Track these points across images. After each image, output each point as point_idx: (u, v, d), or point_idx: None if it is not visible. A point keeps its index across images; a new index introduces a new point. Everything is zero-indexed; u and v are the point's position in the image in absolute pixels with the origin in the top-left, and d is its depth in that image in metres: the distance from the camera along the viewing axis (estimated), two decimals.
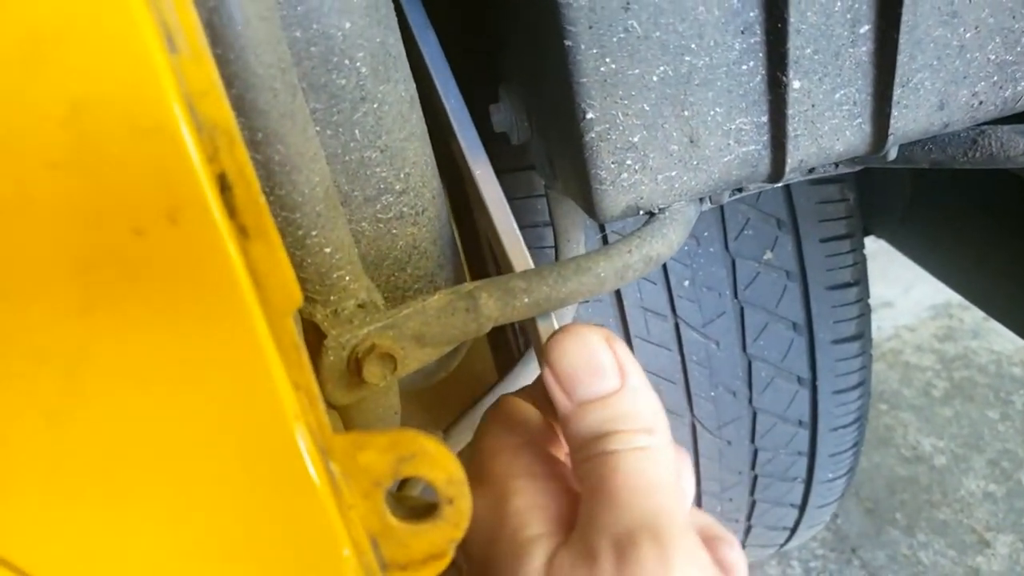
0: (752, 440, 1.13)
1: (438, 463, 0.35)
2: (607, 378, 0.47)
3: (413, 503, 0.39)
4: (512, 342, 1.17)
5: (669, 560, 0.40)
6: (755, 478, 1.18)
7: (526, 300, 0.54)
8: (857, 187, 1.07)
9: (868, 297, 1.09)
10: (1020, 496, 1.95)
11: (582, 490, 0.46)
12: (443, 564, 0.38)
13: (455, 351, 0.71)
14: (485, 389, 0.97)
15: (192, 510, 0.34)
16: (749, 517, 1.25)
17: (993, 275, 1.31)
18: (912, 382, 2.33)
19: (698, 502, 1.20)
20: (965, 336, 2.46)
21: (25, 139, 0.31)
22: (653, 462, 0.45)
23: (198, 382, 0.33)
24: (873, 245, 1.46)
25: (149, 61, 0.32)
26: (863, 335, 1.09)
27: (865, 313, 1.09)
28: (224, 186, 0.33)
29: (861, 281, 1.06)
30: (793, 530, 1.33)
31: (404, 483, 0.71)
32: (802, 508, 1.27)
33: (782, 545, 1.39)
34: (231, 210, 0.33)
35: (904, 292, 2.66)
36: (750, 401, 1.09)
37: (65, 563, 0.34)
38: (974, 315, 2.51)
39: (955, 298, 2.53)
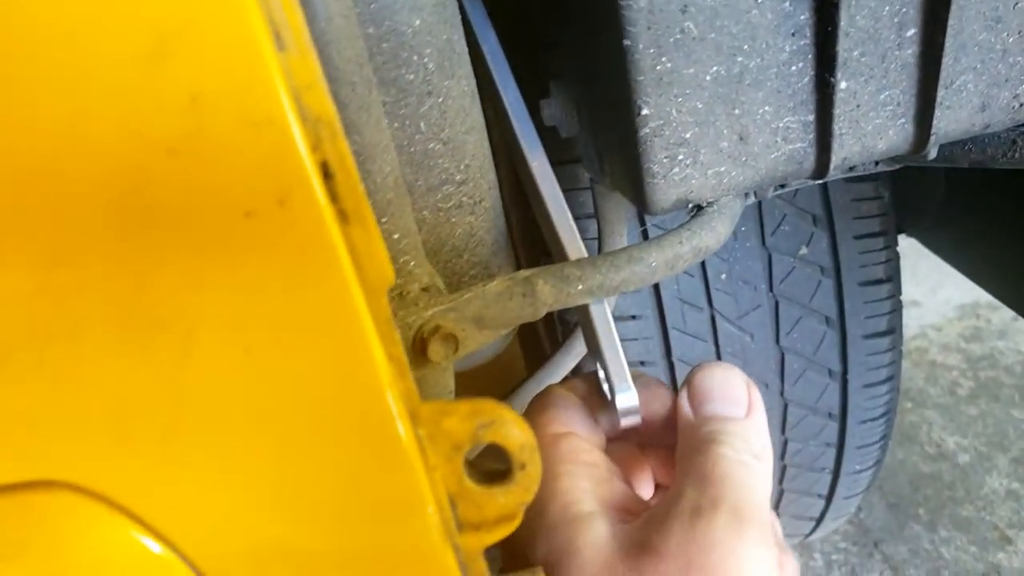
0: (783, 431, 1.15)
1: (513, 430, 0.38)
2: (736, 406, 0.52)
3: (485, 469, 0.42)
4: (542, 334, 1.20)
5: (743, 533, 0.43)
6: (784, 468, 1.20)
7: (580, 287, 0.57)
8: (892, 185, 1.09)
9: (900, 294, 1.11)
10: None
11: (676, 476, 0.49)
12: (513, 525, 0.41)
13: (505, 335, 0.74)
14: (519, 380, 1.00)
15: (295, 468, 0.37)
16: (776, 506, 1.28)
17: (1022, 271, 1.32)
18: (938, 381, 2.34)
19: None
20: (992, 336, 2.46)
21: (148, 127, 0.34)
22: (753, 475, 0.48)
23: (303, 352, 0.36)
24: (902, 244, 1.48)
25: (260, 58, 0.35)
26: (894, 331, 1.11)
27: (897, 309, 1.11)
28: (327, 174, 0.36)
29: (894, 278, 1.08)
30: (819, 520, 1.36)
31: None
32: (829, 499, 1.29)
33: (807, 535, 1.42)
34: (333, 196, 0.36)
35: (931, 292, 2.67)
36: (782, 393, 1.11)
37: (179, 513, 0.38)
38: (1002, 316, 2.51)
39: (983, 299, 2.53)
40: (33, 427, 0.37)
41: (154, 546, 0.38)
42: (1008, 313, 1.34)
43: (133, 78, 0.34)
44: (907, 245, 1.51)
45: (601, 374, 0.59)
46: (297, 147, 0.35)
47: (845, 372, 1.11)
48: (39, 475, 0.37)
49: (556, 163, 0.96)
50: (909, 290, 2.65)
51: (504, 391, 0.97)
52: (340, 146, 0.37)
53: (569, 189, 0.98)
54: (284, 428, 0.37)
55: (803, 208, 1.01)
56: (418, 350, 0.55)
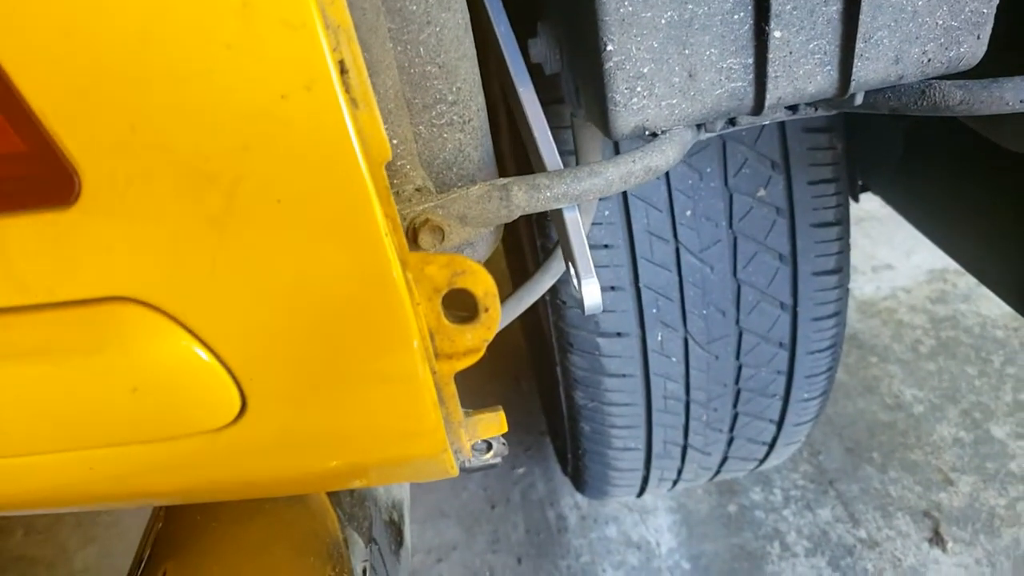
0: (737, 357, 1.27)
1: (480, 279, 0.50)
2: None
3: (456, 313, 0.54)
4: (528, 256, 1.31)
5: None
6: (738, 392, 1.33)
7: (548, 194, 0.68)
8: (851, 141, 1.20)
9: (848, 236, 1.22)
10: (987, 443, 2.11)
11: None
12: (477, 356, 0.53)
13: (494, 236, 0.85)
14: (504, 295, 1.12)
15: (311, 296, 0.49)
16: (731, 429, 1.41)
17: (981, 239, 1.42)
18: (902, 338, 2.48)
19: (686, 411, 1.35)
20: (956, 300, 2.59)
21: (210, 26, 0.45)
22: None
23: (320, 205, 0.47)
24: (882, 211, 1.59)
25: None
26: (841, 269, 1.23)
27: (844, 251, 1.22)
28: (343, 69, 0.47)
29: (843, 221, 1.19)
30: (771, 446, 1.48)
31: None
32: (779, 424, 1.42)
33: (761, 461, 1.55)
34: (347, 86, 0.47)
35: (905, 256, 2.79)
36: (737, 321, 1.23)
37: (220, 325, 0.49)
38: (967, 281, 2.64)
39: (951, 265, 2.64)
40: (111, 253, 0.48)
41: (198, 349, 0.50)
42: (973, 279, 1.44)
43: None
44: (887, 214, 1.61)
45: (571, 269, 0.71)
46: (322, 46, 0.46)
47: (795, 305, 1.23)
48: (115, 292, 0.49)
49: (541, 103, 1.07)
50: (884, 254, 2.78)
51: None
52: (354, 49, 0.48)
53: (552, 128, 1.09)
54: (304, 264, 0.48)
55: (763, 153, 1.12)
56: (411, 239, 0.66)
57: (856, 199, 1.64)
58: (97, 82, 0.45)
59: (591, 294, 0.68)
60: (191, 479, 0.58)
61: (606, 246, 1.16)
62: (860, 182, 1.64)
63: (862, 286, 2.71)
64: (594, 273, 0.68)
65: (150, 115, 0.46)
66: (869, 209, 2.83)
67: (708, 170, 1.13)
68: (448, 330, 0.51)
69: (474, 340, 0.51)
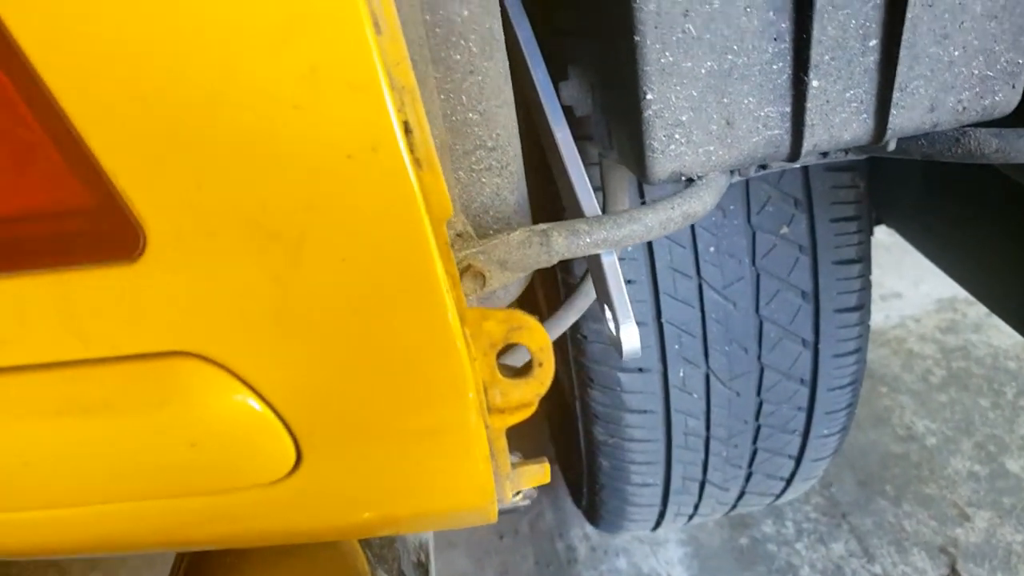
0: (758, 393, 1.28)
1: (536, 334, 0.50)
2: None
3: (510, 368, 0.54)
4: (540, 297, 1.32)
5: None
6: (758, 428, 1.33)
7: (588, 240, 0.69)
8: (870, 177, 1.21)
9: (870, 274, 1.23)
10: (1002, 477, 2.10)
11: None
12: (530, 411, 0.53)
13: (520, 284, 0.86)
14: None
15: (373, 352, 0.49)
16: (751, 464, 1.41)
17: (995, 270, 1.43)
18: (913, 368, 2.48)
19: (706, 447, 1.35)
20: (966, 329, 2.59)
21: (278, 88, 0.46)
22: None
23: (385, 264, 0.48)
24: (889, 239, 1.60)
25: (363, 39, 0.46)
26: (863, 307, 1.23)
27: (866, 288, 1.23)
28: (408, 130, 0.48)
29: (864, 259, 1.20)
30: (789, 481, 1.48)
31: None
32: (798, 460, 1.42)
33: (778, 496, 1.54)
34: (411, 146, 0.48)
35: (914, 285, 2.79)
36: (759, 358, 1.24)
37: (278, 379, 0.50)
38: (977, 310, 2.65)
39: (961, 294, 2.65)
40: (174, 308, 0.48)
41: (255, 403, 0.50)
42: (983, 308, 1.45)
43: (270, 52, 0.45)
44: (894, 242, 1.62)
45: (608, 313, 0.71)
46: (387, 108, 0.47)
47: (817, 342, 1.23)
48: (177, 346, 0.49)
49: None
50: (893, 283, 2.79)
51: None
52: (418, 110, 0.49)
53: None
54: (365, 320, 0.49)
55: (786, 192, 1.13)
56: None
57: (871, 232, 1.65)
58: (166, 141, 0.45)
59: (630, 339, 0.68)
60: (240, 529, 0.58)
61: (629, 281, 1.16)
62: (874, 214, 1.65)
63: (871, 315, 2.71)
64: (632, 317, 0.68)
65: (217, 173, 0.46)
66: (876, 237, 2.83)
67: (731, 207, 1.14)
68: (502, 384, 0.51)
69: (527, 395, 0.52)
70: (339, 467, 0.52)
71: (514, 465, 0.59)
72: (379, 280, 0.48)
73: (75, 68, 0.43)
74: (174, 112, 0.45)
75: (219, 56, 0.45)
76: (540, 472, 0.60)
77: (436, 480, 0.54)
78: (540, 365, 0.51)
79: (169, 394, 0.49)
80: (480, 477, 0.54)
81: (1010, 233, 1.33)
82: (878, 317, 2.70)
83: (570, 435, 1.73)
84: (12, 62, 0.43)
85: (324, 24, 0.46)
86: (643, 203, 1.11)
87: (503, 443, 0.54)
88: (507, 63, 0.74)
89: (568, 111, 0.88)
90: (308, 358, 0.49)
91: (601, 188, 0.97)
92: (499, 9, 0.72)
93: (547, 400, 2.22)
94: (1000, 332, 2.54)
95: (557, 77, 0.87)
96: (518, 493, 0.71)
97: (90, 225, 0.47)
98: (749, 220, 1.14)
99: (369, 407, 0.51)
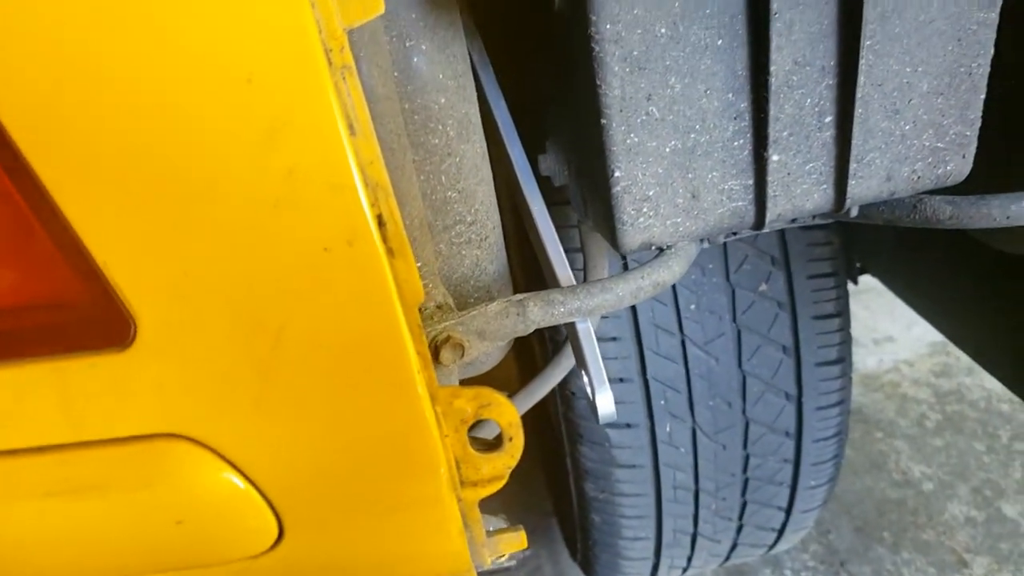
0: (744, 446, 1.30)
1: (505, 410, 0.53)
2: None
3: (481, 441, 0.57)
4: (537, 352, 1.35)
5: None
6: (746, 481, 1.35)
7: (562, 309, 0.72)
8: (852, 227, 1.24)
9: (849, 327, 1.26)
10: (999, 522, 2.11)
11: None
12: (501, 483, 0.56)
13: (504, 348, 0.89)
14: (512, 391, 1.15)
15: (347, 431, 0.52)
16: (741, 516, 1.42)
17: (974, 320, 1.46)
18: (907, 413, 2.49)
19: (695, 500, 1.36)
20: (960, 373, 2.61)
21: (259, 187, 0.50)
22: None
23: (359, 348, 0.51)
24: (880, 285, 1.63)
25: (339, 141, 0.50)
26: (844, 359, 1.26)
27: (846, 340, 1.26)
28: (381, 223, 0.51)
29: (843, 312, 1.23)
30: (780, 532, 1.49)
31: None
32: (788, 511, 1.43)
33: (771, 547, 1.55)
34: (385, 238, 0.51)
35: (907, 328, 2.82)
36: (743, 412, 1.26)
37: (259, 457, 0.52)
38: None
39: None
40: (163, 392, 0.51)
41: (238, 481, 0.53)
42: None
43: (251, 155, 0.49)
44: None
45: (584, 379, 0.74)
46: (362, 204, 0.50)
47: (800, 395, 1.26)
48: (165, 428, 0.52)
49: (550, 204, 1.12)
50: (885, 326, 2.81)
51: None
52: (391, 203, 0.52)
53: (561, 227, 1.14)
54: (341, 401, 0.52)
55: (763, 250, 1.16)
56: (432, 355, 0.70)
57: (855, 282, 1.68)
58: (156, 236, 0.49)
59: (605, 404, 0.71)
60: None
61: (613, 338, 1.19)
62: (859, 264, 1.69)
63: (864, 359, 2.73)
64: (607, 384, 0.71)
65: (203, 267, 0.50)
66: (867, 281, 2.87)
67: (710, 266, 1.17)
68: (474, 459, 0.54)
69: (498, 468, 0.54)
70: (319, 540, 0.55)
71: (489, 534, 0.61)
72: (353, 363, 0.51)
73: (72, 168, 0.47)
74: (164, 209, 0.48)
75: (207, 158, 0.48)
76: (516, 539, 0.62)
77: (412, 551, 0.56)
78: (510, 440, 0.54)
79: (156, 474, 0.52)
80: (454, 547, 0.56)
81: (988, 282, 1.36)
82: (871, 361, 2.73)
83: (563, 490, 1.74)
84: (11, 164, 0.47)
85: (303, 128, 0.49)
86: (624, 262, 1.14)
87: (477, 514, 0.56)
88: (484, 144, 0.78)
89: (547, 180, 0.92)
90: (288, 438, 0.52)
91: (581, 250, 1.00)
92: (475, 95, 0.76)
93: (542, 454, 2.24)
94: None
95: (536, 149, 0.91)
96: (501, 556, 0.73)
97: (84, 315, 0.50)
98: (728, 278, 1.17)
99: (346, 483, 0.54)
